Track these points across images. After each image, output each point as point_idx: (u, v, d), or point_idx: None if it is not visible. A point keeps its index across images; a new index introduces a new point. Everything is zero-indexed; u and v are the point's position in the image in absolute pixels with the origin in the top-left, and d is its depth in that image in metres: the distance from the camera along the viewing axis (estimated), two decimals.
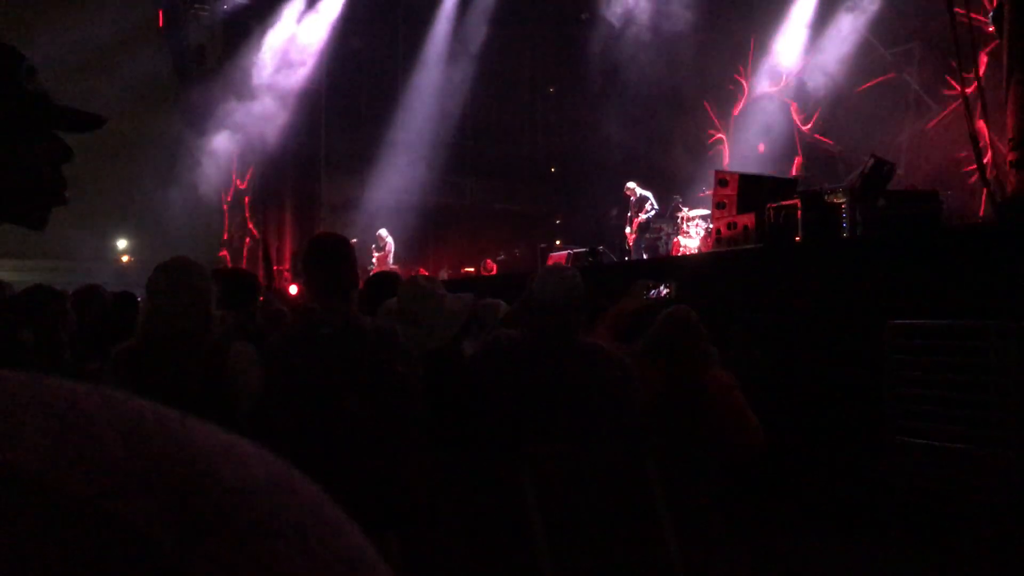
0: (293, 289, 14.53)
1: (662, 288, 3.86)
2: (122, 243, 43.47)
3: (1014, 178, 6.81)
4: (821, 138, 16.36)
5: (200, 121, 18.61)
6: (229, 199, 20.69)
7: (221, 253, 20.04)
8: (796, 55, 16.90)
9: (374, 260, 16.64)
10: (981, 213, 10.29)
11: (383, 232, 16.88)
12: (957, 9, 7.33)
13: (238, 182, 20.36)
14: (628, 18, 18.58)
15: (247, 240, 20.25)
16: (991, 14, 7.44)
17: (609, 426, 2.88)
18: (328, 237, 3.28)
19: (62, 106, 1.38)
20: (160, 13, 18.71)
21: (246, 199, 20.32)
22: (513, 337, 3.06)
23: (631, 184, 14.53)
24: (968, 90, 7.91)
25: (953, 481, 4.99)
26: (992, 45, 10.55)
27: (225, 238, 20.94)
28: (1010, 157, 6.90)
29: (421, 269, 17.00)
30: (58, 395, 0.32)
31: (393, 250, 16.86)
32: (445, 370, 2.81)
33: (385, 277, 4.04)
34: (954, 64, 7.70)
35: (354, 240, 16.68)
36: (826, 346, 6.16)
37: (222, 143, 18.97)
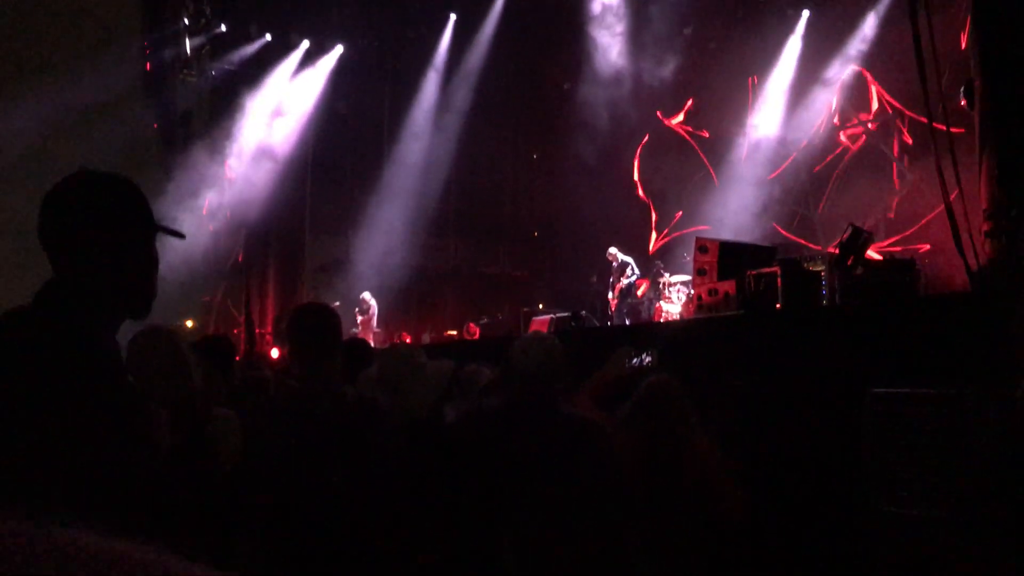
0: (275, 352, 14.46)
1: (644, 356, 3.88)
2: None
3: (988, 247, 6.92)
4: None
5: (184, 184, 18.67)
6: (212, 261, 20.65)
7: (188, 322, 19.87)
8: (776, 122, 17.21)
9: (358, 323, 16.61)
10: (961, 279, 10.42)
11: (367, 295, 16.89)
12: (930, 82, 7.51)
13: (222, 244, 20.36)
14: (610, 86, 18.90)
15: (228, 302, 20.18)
16: (963, 88, 7.63)
17: (590, 496, 2.87)
18: (313, 306, 3.29)
19: (161, 226, 1.81)
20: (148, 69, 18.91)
21: (229, 261, 20.31)
22: (493, 406, 3.06)
23: (613, 249, 14.66)
24: (943, 160, 8.07)
25: (936, 550, 4.97)
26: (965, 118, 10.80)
27: (206, 300, 20.86)
28: (984, 227, 7.02)
29: (403, 332, 16.99)
30: (69, 547, 0.33)
31: (377, 313, 16.85)
32: (425, 439, 2.80)
33: (355, 345, 4.05)
34: (930, 135, 7.86)
35: (337, 303, 16.73)
36: (808, 414, 6.17)
37: (206, 205, 19.01)
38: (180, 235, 1.84)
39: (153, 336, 3.03)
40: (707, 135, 19.02)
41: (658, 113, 19.56)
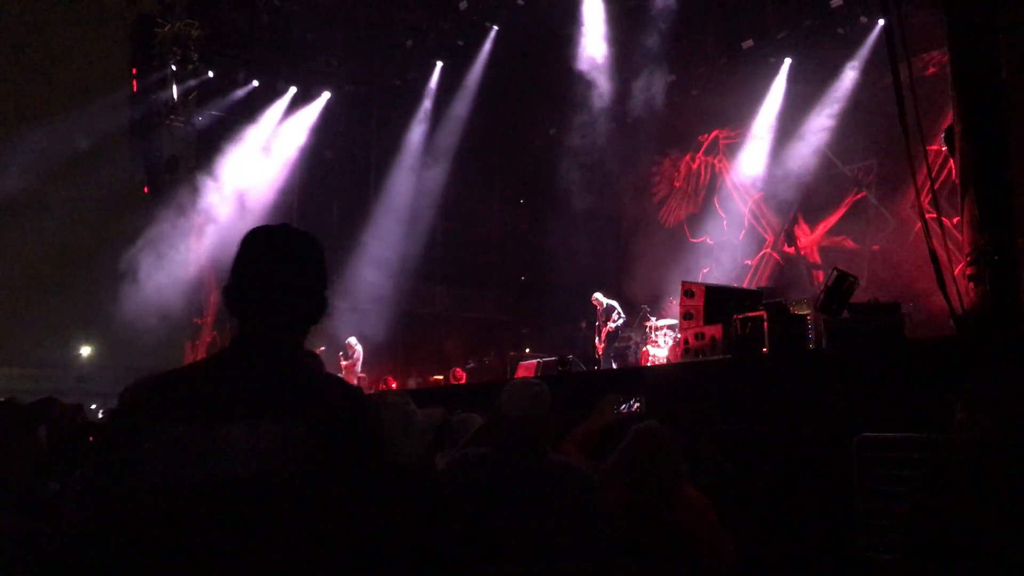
0: None
1: (632, 403, 3.87)
2: (86, 350, 42.94)
3: (972, 291, 6.97)
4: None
5: (170, 229, 18.67)
6: (198, 306, 20.59)
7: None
8: (761, 164, 17.37)
9: (343, 368, 16.53)
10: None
11: (352, 340, 16.83)
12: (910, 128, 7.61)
13: (207, 289, 20.31)
14: (596, 132, 19.08)
15: (212, 349, 20.06)
16: (943, 134, 7.73)
17: (578, 545, 2.84)
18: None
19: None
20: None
21: (215, 306, 20.24)
22: (481, 454, 3.04)
23: (597, 295, 14.68)
24: (925, 205, 8.16)
25: None
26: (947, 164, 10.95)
27: (190, 346, 20.76)
28: (967, 271, 7.08)
29: (389, 378, 16.91)
30: None
31: (362, 358, 16.78)
32: (414, 489, 2.78)
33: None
34: (911, 181, 7.95)
35: (322, 348, 16.64)
36: (795, 459, 6.15)
37: (192, 251, 19.00)
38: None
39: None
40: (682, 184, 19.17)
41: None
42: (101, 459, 1.74)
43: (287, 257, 1.87)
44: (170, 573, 1.60)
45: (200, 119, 19.44)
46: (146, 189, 19.45)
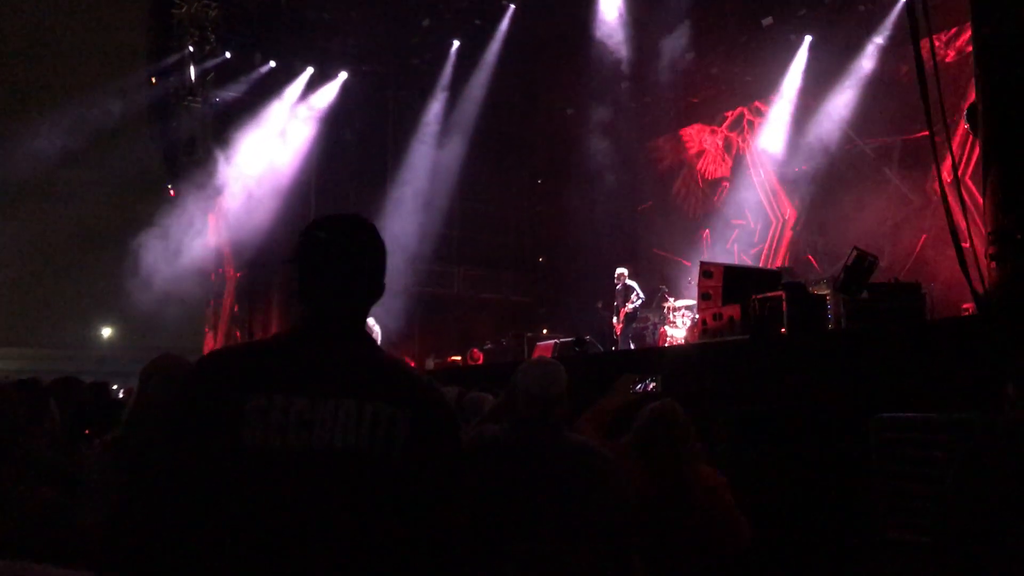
0: None
1: (648, 382, 3.86)
2: (106, 331, 43.29)
3: (993, 271, 6.88)
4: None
5: (188, 210, 18.73)
6: (216, 287, 20.69)
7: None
8: (781, 142, 17.25)
9: None
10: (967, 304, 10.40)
11: (370, 321, 16.61)
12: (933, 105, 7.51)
13: (225, 270, 20.41)
14: (614, 111, 18.99)
15: (232, 329, 20.19)
16: (966, 112, 7.63)
17: (594, 524, 2.83)
18: None
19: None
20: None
21: (233, 287, 20.34)
22: (496, 433, 3.03)
23: (622, 269, 14.61)
24: (947, 184, 8.06)
25: None
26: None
27: (208, 327, 20.88)
28: (989, 251, 6.99)
29: (407, 358, 16.95)
30: None
31: (380, 339, 16.81)
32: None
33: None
34: (933, 160, 7.86)
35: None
36: (813, 439, 6.12)
37: (210, 232, 19.08)
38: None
39: (164, 363, 3.07)
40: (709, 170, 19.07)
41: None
42: (190, 418, 1.77)
43: (357, 244, 2.02)
44: (256, 534, 1.69)
45: (218, 100, 19.45)
46: (172, 193, 19.55)
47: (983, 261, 7.07)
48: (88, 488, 2.92)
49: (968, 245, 7.05)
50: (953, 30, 13.74)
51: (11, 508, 2.71)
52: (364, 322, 2.00)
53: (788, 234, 17.15)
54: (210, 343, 20.13)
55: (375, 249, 2.05)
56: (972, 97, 7.45)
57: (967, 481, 2.85)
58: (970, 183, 12.17)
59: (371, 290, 2.02)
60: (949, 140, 7.77)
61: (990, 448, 2.91)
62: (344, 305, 1.96)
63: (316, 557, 1.69)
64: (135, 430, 3.02)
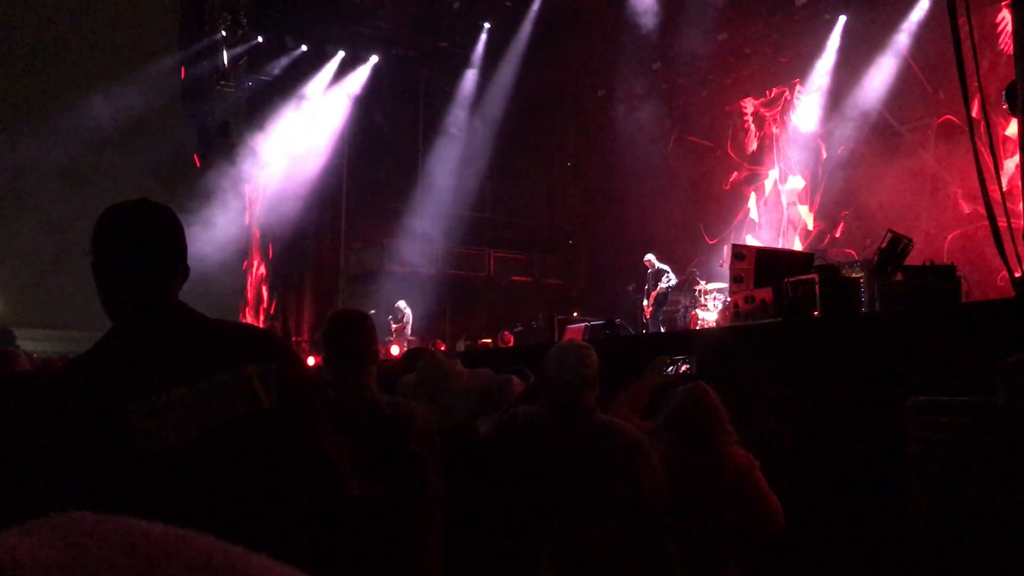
0: (311, 360, 14.55)
1: (681, 364, 3.85)
2: None
3: None
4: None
5: (222, 194, 18.91)
6: (249, 270, 20.88)
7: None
8: (815, 123, 17.07)
9: (392, 331, 16.69)
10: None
11: (402, 304, 16.96)
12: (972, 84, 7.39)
13: (258, 254, 20.58)
14: (645, 93, 18.87)
15: (265, 311, 20.37)
16: (1004, 91, 7.50)
17: (626, 505, 2.85)
18: (348, 313, 3.30)
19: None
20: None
21: (265, 270, 20.52)
22: (529, 414, 3.05)
23: (650, 256, 14.58)
24: (984, 166, 7.94)
25: (979, 560, 4.87)
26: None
27: (243, 309, 21.08)
28: None
29: (438, 341, 17.03)
30: (136, 534, 0.35)
31: (411, 321, 16.91)
32: (461, 448, 2.80)
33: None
34: (970, 140, 7.74)
35: (372, 311, 16.79)
36: (847, 423, 6.09)
37: (244, 216, 19.25)
38: None
39: None
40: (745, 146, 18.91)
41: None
42: (65, 438, 1.72)
43: (146, 229, 1.94)
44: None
45: (250, 84, 19.59)
46: (196, 161, 19.70)
47: (1021, 243, 6.98)
48: None
49: (1005, 226, 6.95)
50: (994, 8, 13.49)
51: None
52: (175, 303, 1.95)
53: (822, 215, 16.98)
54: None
55: (169, 231, 1.97)
56: (1012, 76, 7.33)
57: (969, 463, 2.87)
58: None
59: (173, 272, 1.96)
60: (988, 120, 7.65)
61: (992, 431, 2.93)
62: (150, 291, 1.92)
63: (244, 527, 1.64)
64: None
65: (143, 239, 1.93)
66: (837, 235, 16.31)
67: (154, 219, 1.97)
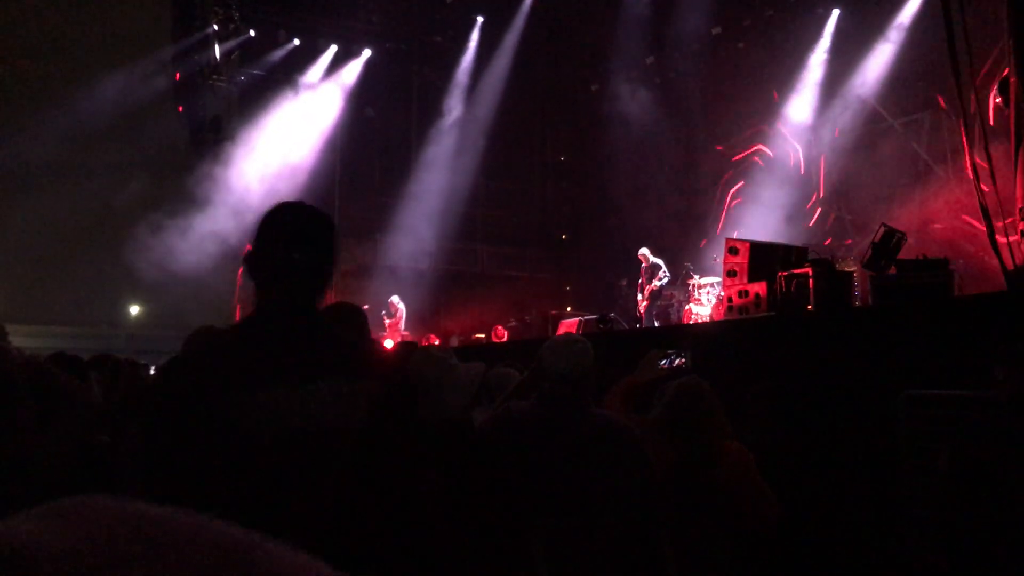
0: None
1: (675, 358, 3.85)
2: (135, 309, 43.70)
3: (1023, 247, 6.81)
4: None
5: (215, 188, 18.84)
6: (242, 265, 20.83)
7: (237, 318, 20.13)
8: (807, 117, 17.09)
9: (386, 326, 16.67)
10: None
11: (395, 299, 16.95)
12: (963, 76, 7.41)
13: (251, 248, 20.50)
14: (638, 87, 18.85)
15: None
16: (998, 84, 7.52)
17: (621, 499, 2.85)
18: (341, 305, 3.29)
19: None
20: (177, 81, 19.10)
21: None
22: (523, 408, 3.05)
23: (644, 250, 14.58)
24: (977, 159, 7.96)
25: (973, 554, 4.88)
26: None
27: (238, 305, 21.03)
28: (1020, 226, 6.92)
29: (432, 335, 17.02)
30: (150, 519, 0.34)
31: (404, 316, 16.90)
32: (455, 441, 2.79)
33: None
34: (963, 134, 7.75)
35: (366, 306, 16.74)
36: (841, 416, 6.10)
37: (236, 210, 19.18)
38: None
39: (203, 335, 3.10)
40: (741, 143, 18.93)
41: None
42: (191, 415, 1.83)
43: (309, 233, 2.05)
44: (258, 512, 1.75)
45: (242, 78, 19.52)
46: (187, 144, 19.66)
47: (1014, 236, 6.99)
48: (125, 471, 2.95)
49: (998, 219, 6.97)
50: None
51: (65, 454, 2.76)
52: (318, 308, 2.06)
53: (815, 210, 17.00)
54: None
55: (324, 239, 2.08)
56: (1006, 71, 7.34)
57: (964, 458, 2.90)
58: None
59: (320, 278, 2.06)
60: (982, 115, 7.67)
61: (982, 424, 2.98)
62: (303, 292, 2.02)
63: (313, 532, 1.79)
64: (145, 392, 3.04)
65: (306, 242, 2.03)
66: (830, 228, 16.32)
67: (319, 226, 2.07)
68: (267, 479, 1.79)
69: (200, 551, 0.36)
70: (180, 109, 19.20)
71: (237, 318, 20.26)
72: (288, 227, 2.05)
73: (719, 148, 19.33)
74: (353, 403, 1.89)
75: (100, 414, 3.66)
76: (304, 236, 2.04)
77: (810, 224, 16.80)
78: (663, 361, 3.85)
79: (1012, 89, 6.99)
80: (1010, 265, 6.82)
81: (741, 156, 18.83)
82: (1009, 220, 7.25)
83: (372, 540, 1.88)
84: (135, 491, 2.81)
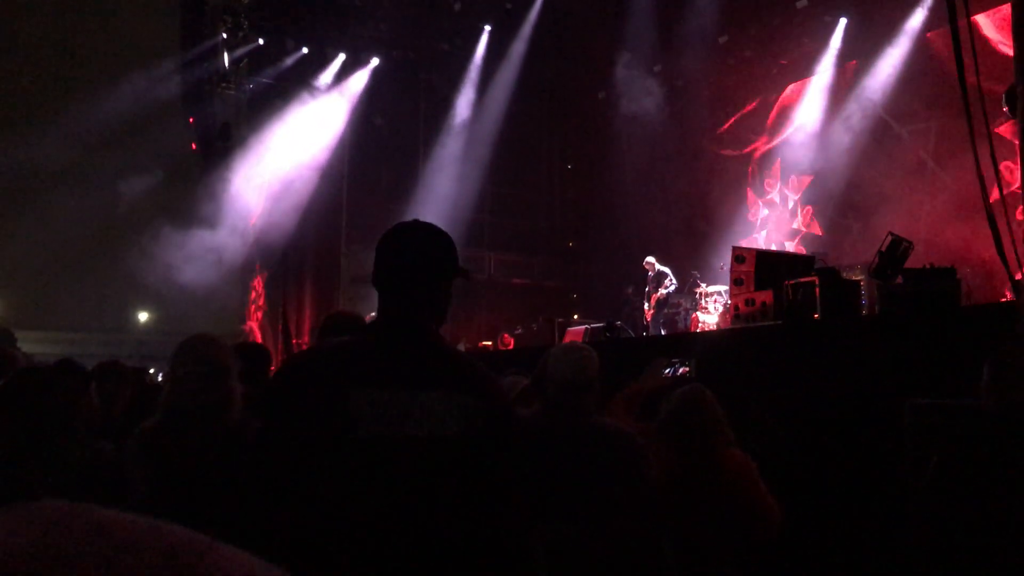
0: None
1: (679, 367, 3.86)
2: (143, 315, 43.84)
3: None
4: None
5: (223, 195, 18.91)
6: (250, 272, 20.88)
7: (246, 326, 20.19)
8: (815, 125, 17.09)
9: None
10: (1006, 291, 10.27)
11: None
12: (971, 85, 7.39)
13: (259, 255, 20.57)
14: (645, 96, 18.86)
15: (262, 313, 20.37)
16: (1004, 93, 7.50)
17: (624, 507, 2.85)
18: (342, 314, 3.32)
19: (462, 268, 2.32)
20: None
21: (267, 272, 20.52)
22: (527, 416, 3.06)
23: (650, 259, 14.60)
24: (984, 169, 7.94)
25: (978, 561, 4.86)
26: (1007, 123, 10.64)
27: (247, 310, 21.08)
28: None
29: None
30: (105, 522, 0.36)
31: None
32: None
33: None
34: (970, 142, 7.74)
35: (372, 314, 16.81)
36: (847, 425, 6.09)
37: (245, 216, 19.24)
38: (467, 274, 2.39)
39: (196, 343, 3.10)
40: (743, 150, 18.93)
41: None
42: (301, 412, 1.92)
43: (430, 251, 2.23)
44: (367, 514, 1.88)
45: (251, 87, 19.59)
46: (193, 146, 19.69)
47: (1021, 245, 6.97)
48: (129, 478, 2.96)
49: (1006, 229, 6.95)
50: (994, 10, 13.51)
51: (71, 460, 2.77)
52: (424, 321, 2.18)
53: (823, 218, 16.99)
54: (255, 332, 20.27)
55: (444, 253, 2.25)
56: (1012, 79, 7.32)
57: (951, 462, 2.92)
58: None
59: (439, 296, 2.23)
60: (988, 124, 7.65)
61: (971, 432, 3.00)
62: (419, 307, 2.17)
63: (417, 534, 1.89)
64: (171, 417, 3.05)
65: (415, 259, 2.19)
66: (838, 236, 16.31)
67: (434, 242, 2.25)
68: (378, 480, 1.88)
69: (151, 552, 0.37)
70: (191, 121, 19.25)
71: (246, 326, 20.36)
72: (402, 244, 2.20)
73: (727, 155, 19.34)
74: (461, 415, 1.97)
75: (101, 422, 3.68)
76: (416, 251, 2.19)
77: (819, 232, 16.79)
78: (667, 369, 3.86)
79: (1019, 98, 6.98)
80: (1018, 275, 6.80)
81: (749, 164, 18.83)
82: (1017, 224, 7.24)
83: (463, 550, 1.96)
84: (138, 498, 2.83)
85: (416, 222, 2.28)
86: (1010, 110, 7.45)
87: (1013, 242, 7.00)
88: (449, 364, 2.11)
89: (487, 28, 20.00)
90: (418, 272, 2.17)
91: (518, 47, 19.60)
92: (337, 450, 1.88)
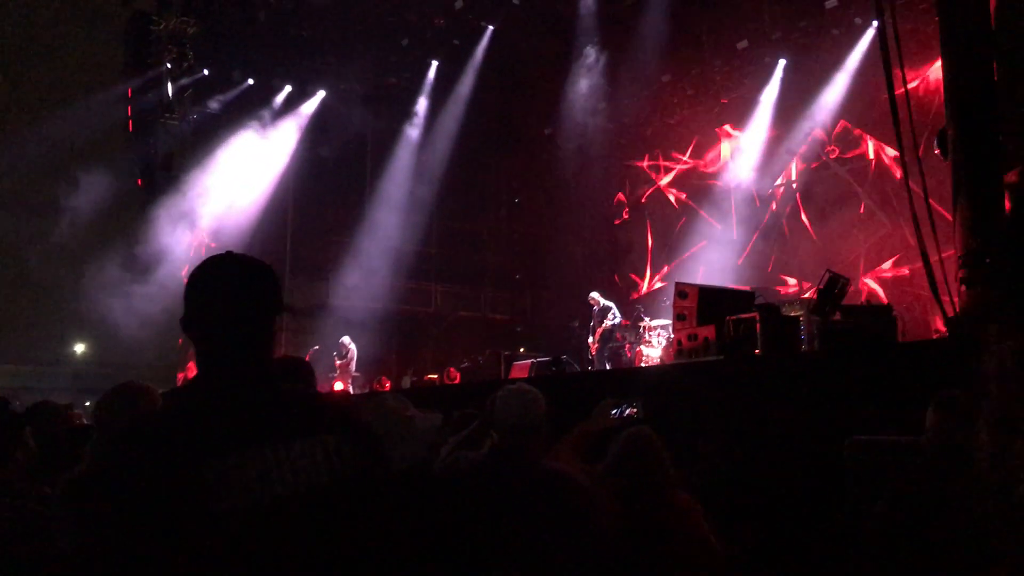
0: None
1: (627, 408, 3.89)
2: (79, 347, 42.83)
3: (964, 294, 6.99)
4: None
5: (167, 227, 18.63)
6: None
7: (189, 366, 19.81)
8: (754, 163, 17.45)
9: (336, 367, 16.55)
10: (939, 326, 10.54)
11: (346, 339, 16.84)
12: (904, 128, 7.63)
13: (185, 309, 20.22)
14: (590, 132, 19.10)
15: None
16: (936, 137, 7.75)
17: (569, 552, 2.86)
18: (284, 360, 3.29)
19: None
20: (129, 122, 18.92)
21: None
22: (473, 460, 3.06)
23: (594, 294, 14.72)
24: (917, 208, 8.18)
25: None
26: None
27: (187, 344, 20.72)
28: (959, 274, 7.10)
29: (383, 377, 16.91)
30: None
31: (356, 357, 16.79)
32: (411, 493, 2.79)
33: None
34: (903, 182, 7.98)
35: (316, 347, 16.60)
36: (788, 461, 6.18)
37: (187, 249, 18.97)
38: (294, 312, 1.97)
39: (122, 392, 3.05)
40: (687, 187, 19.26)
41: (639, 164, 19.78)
42: (148, 494, 1.66)
43: (249, 286, 1.91)
44: None
45: (195, 117, 19.39)
46: (139, 181, 19.40)
47: (955, 284, 7.18)
48: (57, 527, 2.86)
49: (939, 266, 7.15)
50: (924, 66, 14.06)
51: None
52: (264, 365, 1.94)
53: (761, 254, 17.30)
54: (190, 364, 19.91)
55: (266, 290, 1.93)
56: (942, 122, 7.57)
57: (897, 504, 2.99)
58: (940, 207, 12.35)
59: (266, 333, 1.94)
60: (920, 164, 7.89)
61: (915, 469, 3.08)
62: (254, 349, 1.91)
63: None
64: (100, 469, 2.96)
65: (242, 297, 1.89)
66: (779, 272, 16.62)
67: (255, 275, 1.93)
68: (248, 555, 1.68)
69: None
70: (132, 152, 18.98)
71: (188, 367, 19.99)
72: (222, 281, 1.90)
73: (671, 191, 19.64)
74: (328, 461, 1.80)
75: (39, 465, 3.59)
76: (240, 288, 1.89)
77: (767, 269, 17.08)
78: (615, 411, 3.89)
79: (949, 142, 7.22)
80: (951, 311, 7.00)
81: (693, 198, 19.13)
82: (950, 267, 7.44)
83: None
84: (67, 548, 2.75)
85: (231, 254, 1.95)
86: (942, 152, 7.70)
87: (946, 279, 7.21)
88: (304, 407, 1.91)
89: (435, 63, 20.10)
90: (251, 310, 1.89)
91: (465, 82, 19.72)
92: (196, 530, 1.64)
